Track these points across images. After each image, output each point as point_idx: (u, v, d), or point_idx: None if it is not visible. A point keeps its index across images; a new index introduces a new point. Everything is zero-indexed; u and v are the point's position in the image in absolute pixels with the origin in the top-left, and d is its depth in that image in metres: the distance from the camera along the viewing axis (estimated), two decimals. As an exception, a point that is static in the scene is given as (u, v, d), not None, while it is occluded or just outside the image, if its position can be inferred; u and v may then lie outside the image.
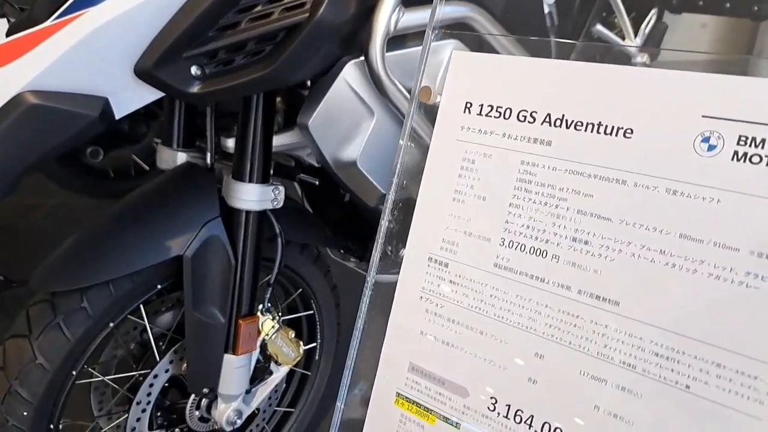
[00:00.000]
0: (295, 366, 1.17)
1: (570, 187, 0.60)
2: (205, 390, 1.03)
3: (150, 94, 0.78)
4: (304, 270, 1.18)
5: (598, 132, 0.58)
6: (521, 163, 0.62)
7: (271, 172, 1.05)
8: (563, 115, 0.60)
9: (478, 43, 0.89)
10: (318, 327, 1.26)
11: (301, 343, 1.12)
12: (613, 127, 0.58)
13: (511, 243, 0.63)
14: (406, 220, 0.70)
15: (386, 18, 0.77)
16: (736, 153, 0.53)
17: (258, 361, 1.10)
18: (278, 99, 1.10)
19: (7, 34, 0.73)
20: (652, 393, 0.56)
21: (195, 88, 0.79)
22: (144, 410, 1.04)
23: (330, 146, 0.90)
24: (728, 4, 1.30)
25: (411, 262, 0.69)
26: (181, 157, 1.05)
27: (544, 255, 0.61)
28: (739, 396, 0.52)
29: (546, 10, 1.06)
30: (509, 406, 0.63)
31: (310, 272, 1.19)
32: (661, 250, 0.56)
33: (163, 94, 0.79)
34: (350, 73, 0.85)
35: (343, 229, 1.26)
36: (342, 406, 0.72)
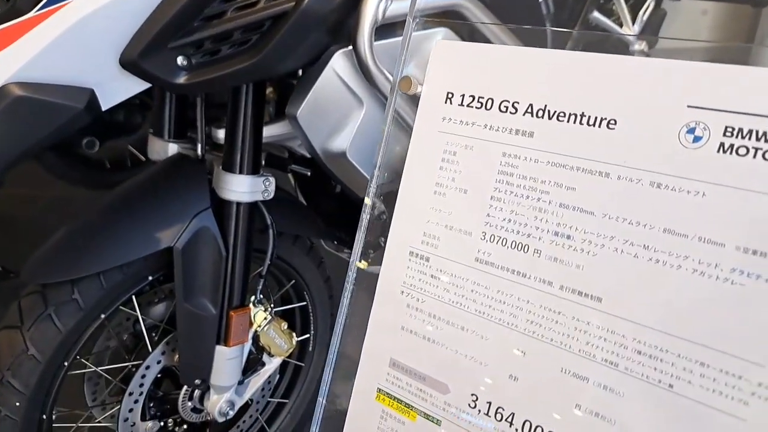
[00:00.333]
0: (289, 357, 1.17)
1: (552, 179, 0.58)
2: (197, 381, 1.03)
3: (136, 85, 0.78)
4: (297, 261, 1.18)
5: (581, 123, 0.57)
6: (503, 155, 0.61)
7: (263, 163, 1.04)
8: (546, 106, 0.58)
9: (470, 33, 0.88)
10: (311, 318, 1.26)
11: (294, 334, 1.12)
12: (596, 118, 0.56)
13: (492, 237, 0.61)
14: (390, 212, 0.69)
15: (374, 6, 0.76)
16: (722, 144, 0.51)
17: (251, 352, 1.09)
18: (269, 90, 1.09)
19: (-9, 26, 0.72)
20: (634, 392, 0.54)
21: (181, 79, 0.78)
22: (136, 401, 1.04)
23: (319, 137, 0.89)
24: (728, -10, 1.26)
25: (392, 256, 0.68)
26: (172, 148, 1.04)
27: (525, 249, 0.60)
28: (723, 396, 0.50)
29: (540, -3, 1.03)
30: (490, 403, 0.61)
31: (303, 263, 1.19)
32: (644, 245, 0.54)
33: (149, 85, 0.78)
34: (339, 63, 0.84)
35: (336, 220, 1.25)
36: (323, 401, 0.71)
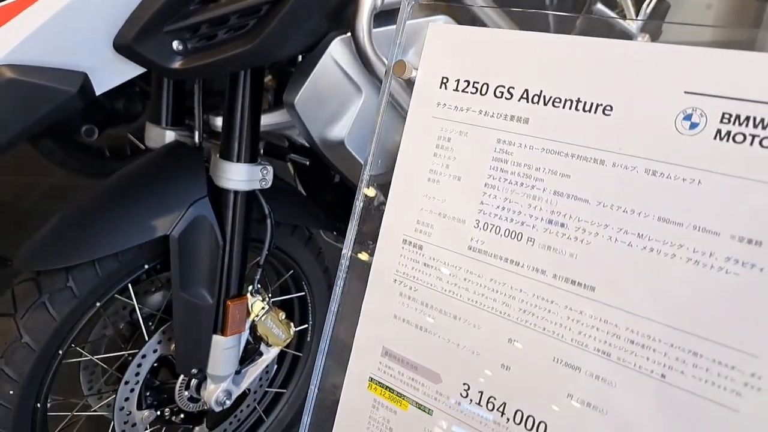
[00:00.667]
0: (287, 347, 1.16)
1: (546, 167, 0.57)
2: (194, 370, 1.03)
3: (131, 70, 0.77)
4: (296, 251, 1.17)
5: (576, 109, 0.56)
6: (497, 141, 0.60)
7: (261, 152, 1.03)
8: (541, 91, 0.57)
9: (471, 20, 0.86)
10: (310, 308, 1.25)
11: (292, 324, 1.11)
12: (592, 104, 0.55)
13: (485, 225, 0.61)
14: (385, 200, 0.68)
15: (373, -8, 0.75)
16: (719, 131, 0.50)
17: (248, 342, 1.09)
18: (268, 77, 1.08)
19: (-18, 7, 0.71)
20: (626, 382, 0.54)
21: (177, 64, 0.77)
22: (132, 390, 1.04)
23: (317, 125, 0.88)
24: (734, -18, 1.25)
25: (385, 244, 0.67)
26: (170, 136, 1.03)
27: (519, 238, 0.59)
28: (716, 386, 0.50)
29: (544, -13, 1.02)
30: (482, 392, 0.61)
31: (301, 254, 1.18)
32: (639, 234, 0.53)
33: (144, 70, 0.77)
34: (337, 50, 0.83)
35: (335, 210, 1.24)
36: (316, 390, 0.71)
